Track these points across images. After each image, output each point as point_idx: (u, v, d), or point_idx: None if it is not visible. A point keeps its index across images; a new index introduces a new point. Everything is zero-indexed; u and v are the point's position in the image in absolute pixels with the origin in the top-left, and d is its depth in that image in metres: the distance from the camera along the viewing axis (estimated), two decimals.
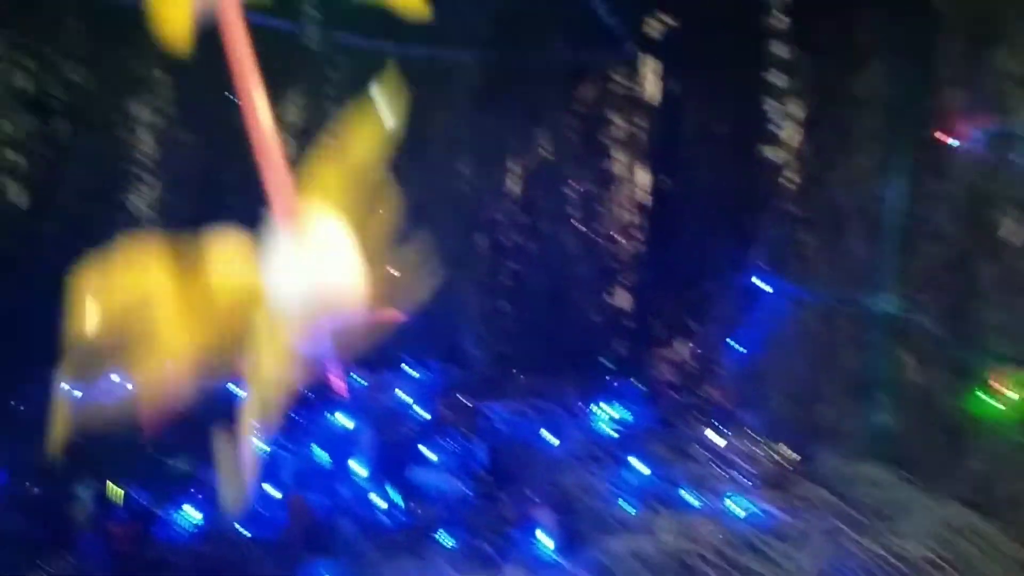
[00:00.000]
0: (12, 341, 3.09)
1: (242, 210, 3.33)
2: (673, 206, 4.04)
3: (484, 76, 3.82)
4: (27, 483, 2.28)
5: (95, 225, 3.28)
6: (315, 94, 3.60)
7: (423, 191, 3.78)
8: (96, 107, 3.23)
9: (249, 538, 2.25)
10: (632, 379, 3.60)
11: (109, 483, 2.21)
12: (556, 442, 2.93)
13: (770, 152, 3.42)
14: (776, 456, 2.85)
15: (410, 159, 3.72)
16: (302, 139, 3.56)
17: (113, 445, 2.58)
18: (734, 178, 3.74)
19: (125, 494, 2.22)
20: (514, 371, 3.66)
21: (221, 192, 3.44)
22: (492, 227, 4.01)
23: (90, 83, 3.22)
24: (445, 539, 2.32)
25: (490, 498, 2.56)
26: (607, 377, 3.64)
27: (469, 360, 3.74)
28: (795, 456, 2.85)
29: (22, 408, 2.81)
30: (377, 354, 3.32)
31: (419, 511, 2.44)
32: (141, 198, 3.44)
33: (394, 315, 3.26)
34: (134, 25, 3.12)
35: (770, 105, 3.39)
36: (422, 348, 3.68)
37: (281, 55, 3.44)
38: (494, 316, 3.95)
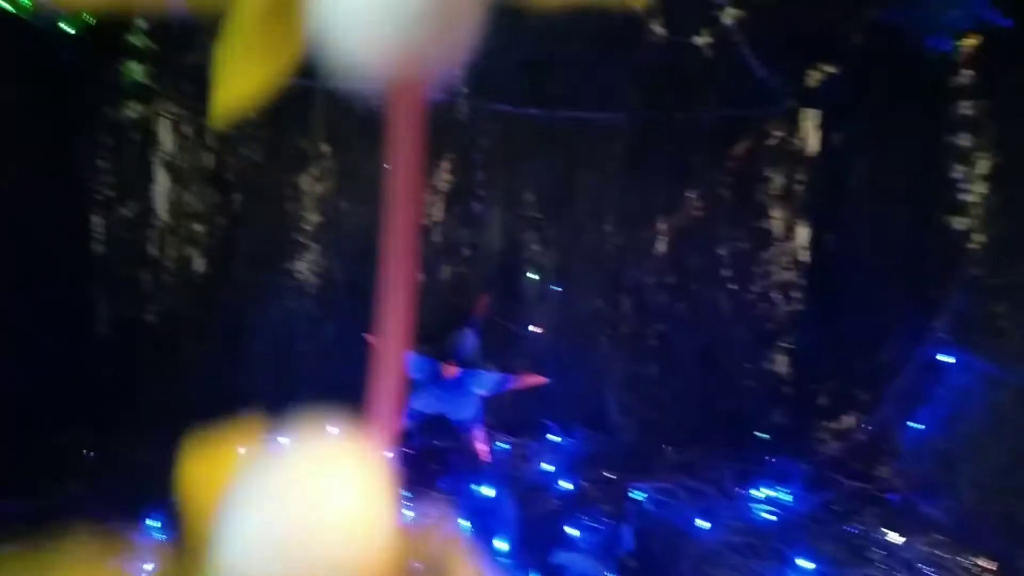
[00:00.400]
0: (185, 394, 3.30)
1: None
2: (838, 265, 3.74)
3: (632, 136, 3.74)
4: None
5: (265, 289, 3.48)
6: (463, 160, 3.66)
7: (568, 252, 3.75)
8: (267, 181, 3.44)
9: None
10: (792, 456, 3.31)
11: None
12: (708, 526, 2.72)
13: (952, 212, 3.08)
14: (968, 561, 2.49)
15: (556, 220, 3.68)
16: (450, 203, 3.63)
17: None
18: (909, 237, 3.41)
19: None
20: (662, 444, 3.47)
21: (378, 258, 3.56)
22: (639, 288, 3.87)
23: (262, 159, 3.45)
24: None
25: None
26: (764, 453, 3.37)
27: (614, 428, 3.59)
28: (991, 564, 2.47)
29: None
30: (520, 419, 3.27)
31: None
32: (305, 263, 3.61)
33: (538, 379, 3.19)
34: (303, 104, 3.31)
35: (951, 160, 3.07)
36: (566, 414, 3.59)
37: (434, 124, 3.53)
38: (641, 381, 3.79)
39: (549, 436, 3.41)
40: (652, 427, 3.69)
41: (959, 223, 2.95)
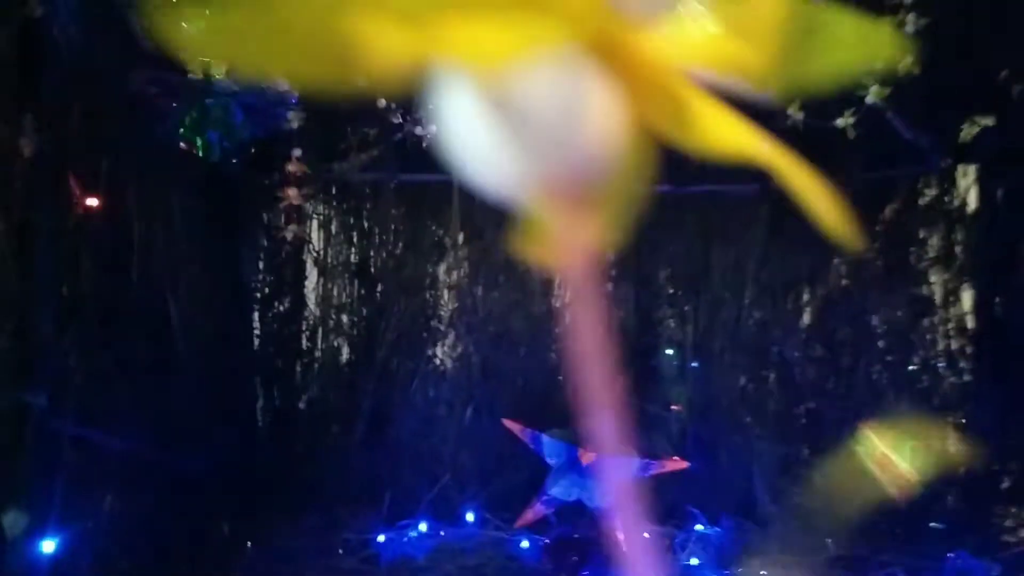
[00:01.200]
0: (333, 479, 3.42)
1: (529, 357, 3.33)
2: (1009, 330, 3.39)
3: (770, 205, 3.61)
4: None
5: (404, 375, 3.60)
6: None
7: (709, 329, 3.63)
8: (407, 272, 3.60)
9: None
10: (975, 551, 2.97)
11: None
12: None
13: None
14: None
15: (696, 296, 3.56)
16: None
17: None
18: None
19: None
20: (821, 535, 3.21)
21: (513, 342, 3.61)
22: (786, 364, 3.67)
23: (403, 251, 3.62)
24: None
25: None
26: (941, 546, 3.03)
27: (765, 517, 3.37)
28: None
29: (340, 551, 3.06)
30: (663, 506, 3.13)
31: None
32: (444, 350, 3.71)
33: (679, 463, 3.05)
34: (438, 198, 3.45)
35: None
36: (712, 501, 3.42)
37: None
38: (791, 464, 3.56)
39: (696, 527, 3.25)
40: (809, 515, 3.43)
41: None
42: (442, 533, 3.21)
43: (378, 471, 3.51)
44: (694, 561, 3.02)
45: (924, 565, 2.85)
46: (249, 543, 2.95)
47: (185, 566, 2.75)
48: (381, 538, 3.13)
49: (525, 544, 3.13)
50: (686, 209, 3.69)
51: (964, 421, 3.59)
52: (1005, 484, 3.43)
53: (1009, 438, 3.40)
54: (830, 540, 3.13)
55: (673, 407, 3.71)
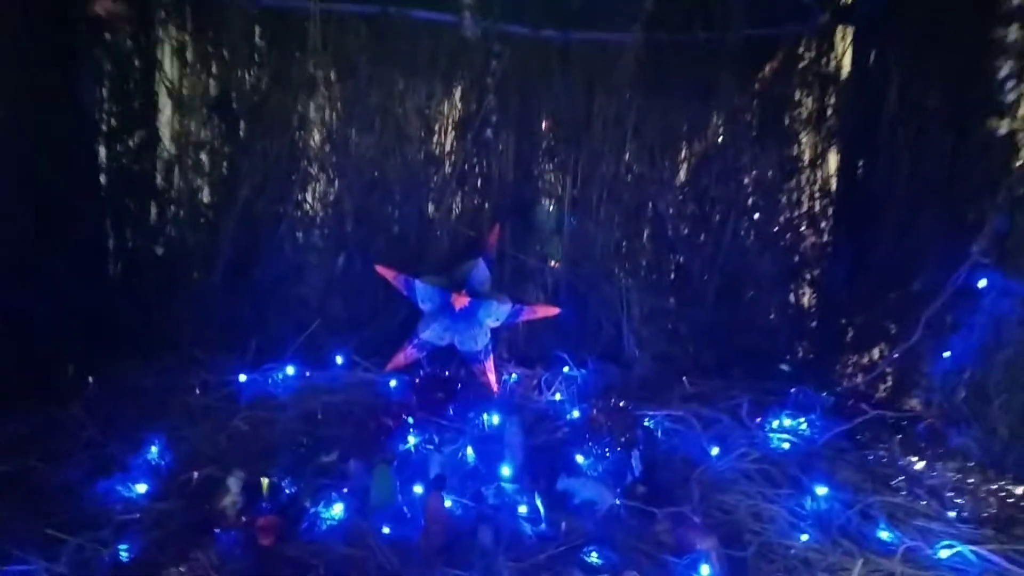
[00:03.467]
0: (183, 325, 3.26)
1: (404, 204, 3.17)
2: (870, 193, 3.53)
3: (652, 58, 3.54)
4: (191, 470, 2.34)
5: (270, 219, 3.41)
6: (478, 85, 3.50)
7: (585, 181, 3.60)
8: (272, 108, 3.34)
9: (388, 538, 2.16)
10: (816, 389, 3.18)
11: (262, 476, 2.21)
12: (721, 455, 2.62)
13: (995, 114, 2.83)
14: (998, 489, 2.36)
15: (574, 147, 3.49)
16: (463, 130, 3.50)
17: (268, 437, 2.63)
18: (948, 159, 3.20)
19: (273, 486, 2.21)
20: (679, 376, 3.36)
21: (386, 187, 3.47)
22: (660, 219, 3.72)
23: (269, 85, 3.34)
24: (592, 558, 2.11)
25: (645, 516, 2.31)
26: (786, 385, 3.23)
27: (630, 361, 3.49)
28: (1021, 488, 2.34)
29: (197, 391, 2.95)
30: (533, 350, 3.15)
31: (564, 525, 2.24)
32: (314, 195, 3.52)
33: (550, 309, 3.06)
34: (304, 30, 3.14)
35: (997, 56, 2.81)
36: (580, 346, 3.50)
37: (444, 48, 3.40)
38: (659, 314, 3.67)
39: (564, 368, 3.33)
40: (669, 360, 3.57)
41: (1002, 127, 2.72)
42: (308, 374, 3.15)
43: (242, 316, 3.38)
44: (557, 396, 3.10)
45: (768, 400, 3.03)
46: (91, 378, 2.79)
47: (25, 402, 2.59)
48: (243, 378, 3.04)
49: (393, 383, 3.12)
50: (571, 57, 3.57)
51: (819, 277, 3.78)
52: (849, 335, 3.66)
53: (857, 293, 3.61)
54: (686, 378, 3.30)
55: (551, 263, 3.70)
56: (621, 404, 2.84)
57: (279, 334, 3.35)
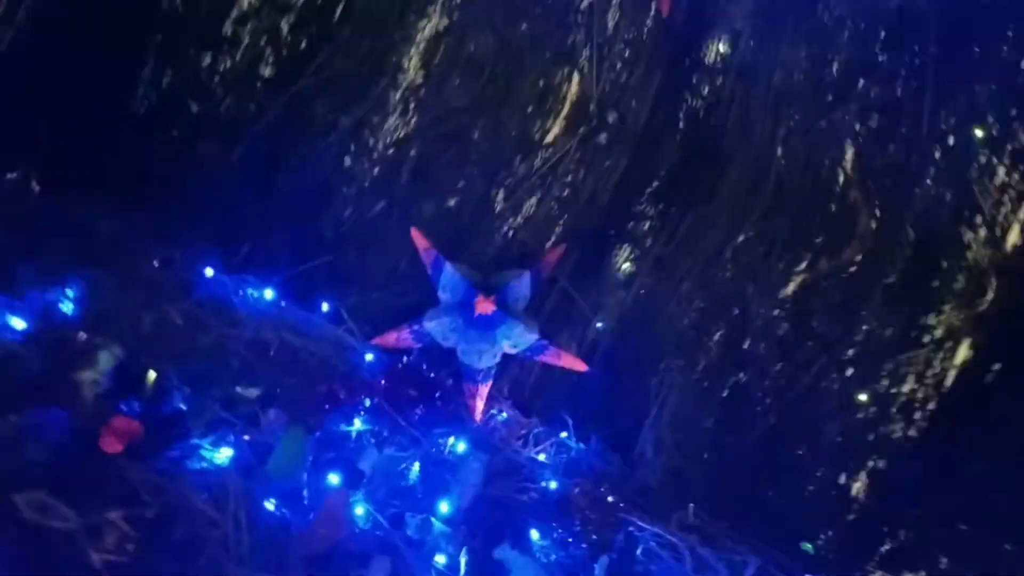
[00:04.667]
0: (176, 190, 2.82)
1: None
2: (990, 406, 2.93)
3: None
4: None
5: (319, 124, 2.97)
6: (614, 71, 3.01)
7: (682, 244, 3.07)
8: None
9: (260, 515, 1.64)
10: None
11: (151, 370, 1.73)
12: None
13: None
14: None
15: (688, 202, 2.88)
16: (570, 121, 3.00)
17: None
18: None
19: (160, 388, 1.72)
20: (686, 500, 2.77)
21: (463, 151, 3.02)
22: (742, 325, 3.14)
23: None
24: None
25: None
26: (800, 567, 2.62)
27: (640, 461, 2.92)
28: None
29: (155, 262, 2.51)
30: (537, 400, 2.61)
31: None
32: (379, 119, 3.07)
33: (578, 364, 2.52)
34: None
35: None
36: (591, 419, 2.95)
37: None
38: (691, 426, 3.09)
39: (562, 434, 2.78)
40: (681, 480, 2.98)
41: None
42: (283, 305, 2.67)
43: (246, 214, 2.89)
44: (541, 457, 2.55)
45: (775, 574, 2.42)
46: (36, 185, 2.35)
47: None
48: (209, 272, 2.56)
49: (369, 357, 2.61)
50: None
51: (882, 470, 3.17)
52: (885, 547, 3.04)
53: (913, 508, 3.02)
54: (692, 507, 2.70)
55: (598, 324, 3.19)
56: (610, 499, 2.27)
57: (277, 252, 2.89)
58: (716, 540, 2.47)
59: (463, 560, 1.76)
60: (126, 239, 2.43)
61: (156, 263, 2.51)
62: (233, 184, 2.87)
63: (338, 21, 2.91)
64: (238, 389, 1.92)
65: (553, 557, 1.97)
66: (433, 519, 1.90)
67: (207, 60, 2.89)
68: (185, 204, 2.80)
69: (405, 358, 2.68)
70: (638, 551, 2.09)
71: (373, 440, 2.09)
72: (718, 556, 2.32)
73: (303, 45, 2.93)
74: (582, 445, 2.79)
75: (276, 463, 1.76)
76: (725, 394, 3.17)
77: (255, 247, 2.88)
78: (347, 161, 2.99)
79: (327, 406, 2.19)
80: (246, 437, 1.81)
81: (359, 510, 1.77)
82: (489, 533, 1.90)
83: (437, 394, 2.51)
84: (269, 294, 2.69)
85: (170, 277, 2.47)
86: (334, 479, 1.83)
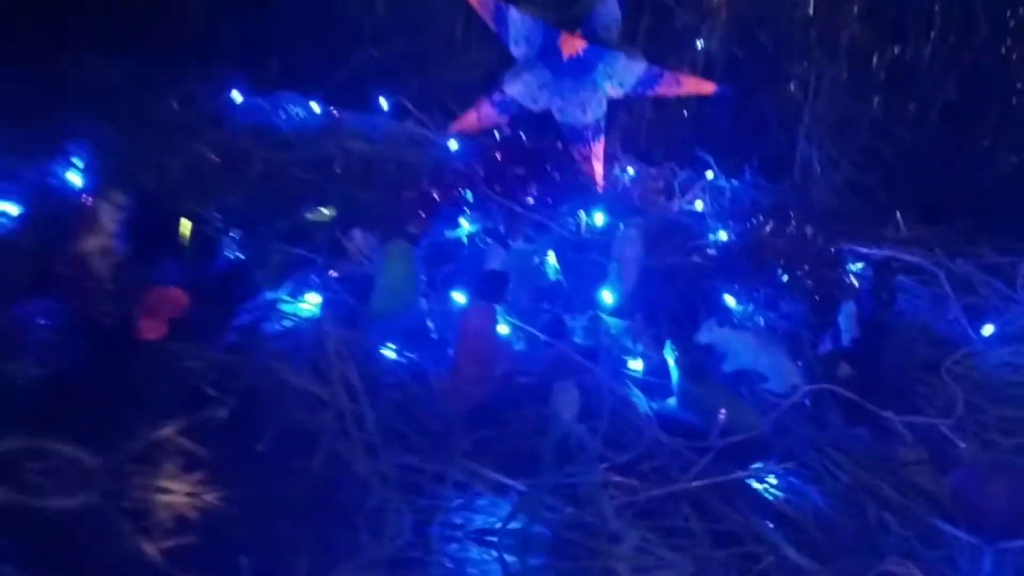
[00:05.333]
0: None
1: None
2: None
3: None
4: None
5: None
6: None
7: None
8: None
9: (385, 368, 1.20)
10: None
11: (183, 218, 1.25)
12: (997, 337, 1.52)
13: None
14: None
15: None
16: None
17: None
18: None
19: (203, 236, 1.25)
20: (883, 211, 2.22)
21: None
22: None
23: None
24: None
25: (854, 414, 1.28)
26: None
27: (806, 180, 2.36)
28: None
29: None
30: (660, 147, 2.00)
31: (723, 414, 1.22)
32: None
33: (706, 85, 1.88)
34: None
35: None
36: (734, 149, 2.38)
37: None
38: (855, 123, 2.48)
39: (707, 173, 2.23)
40: (866, 191, 2.42)
41: None
42: (336, 114, 2.13)
43: (268, 24, 2.38)
44: (699, 205, 2.01)
45: None
46: None
47: None
48: (238, 98, 2.06)
49: (454, 145, 2.08)
50: None
51: None
52: None
53: None
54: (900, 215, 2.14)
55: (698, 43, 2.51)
56: (808, 231, 1.73)
57: (311, 59, 2.34)
58: (953, 247, 1.91)
59: (670, 355, 1.29)
60: (137, 85, 1.91)
61: (175, 105, 2.00)
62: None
63: None
64: (307, 216, 1.44)
65: (765, 321, 1.48)
66: (600, 315, 1.43)
67: None
68: (191, 30, 2.29)
69: (497, 135, 2.11)
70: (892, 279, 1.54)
71: (489, 240, 1.60)
72: (976, 263, 1.78)
73: None
74: (734, 182, 2.23)
75: (382, 295, 1.30)
76: (883, 76, 2.53)
77: (286, 59, 2.36)
78: None
79: (422, 213, 1.69)
80: (333, 273, 1.34)
81: (503, 328, 1.31)
82: (677, 316, 1.43)
83: (546, 164, 1.96)
84: (315, 106, 2.16)
85: (193, 115, 1.96)
86: (461, 298, 1.36)
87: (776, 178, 2.34)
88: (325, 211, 1.43)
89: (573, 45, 2.10)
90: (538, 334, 1.38)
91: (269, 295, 1.27)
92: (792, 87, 2.49)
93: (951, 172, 2.46)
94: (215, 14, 2.32)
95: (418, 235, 1.48)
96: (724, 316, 1.42)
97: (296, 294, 1.29)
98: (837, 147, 2.42)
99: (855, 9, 2.56)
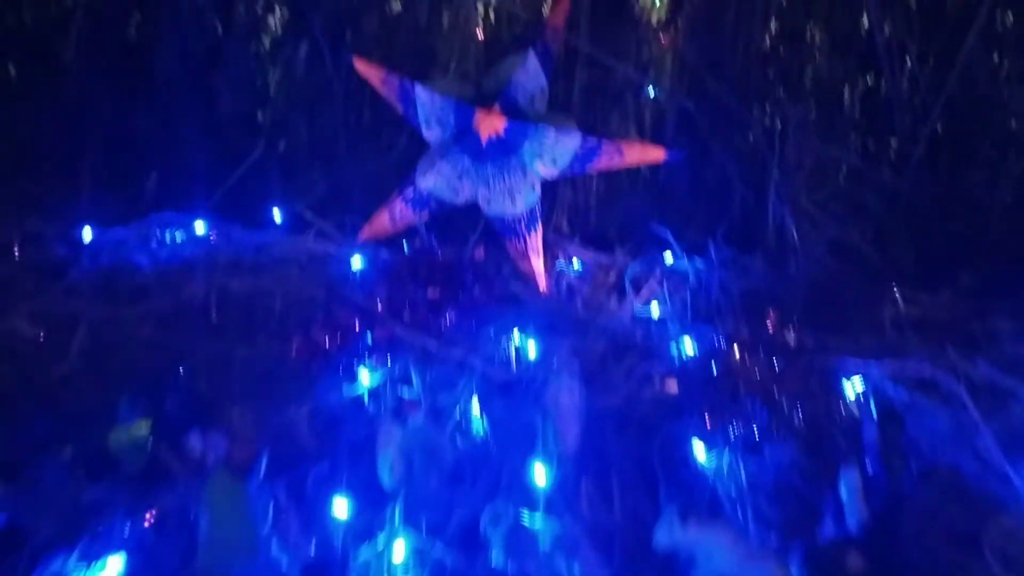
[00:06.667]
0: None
1: None
2: None
3: None
4: None
5: None
6: None
7: None
8: None
9: None
10: None
11: None
12: None
13: None
14: None
15: None
16: None
17: None
18: None
19: None
20: (878, 281, 1.89)
21: None
22: None
23: None
24: None
25: None
26: None
27: (784, 247, 2.04)
28: None
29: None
30: (612, 223, 1.72)
31: None
32: None
33: (654, 152, 1.67)
34: None
35: None
36: (695, 218, 2.05)
37: None
38: (830, 168, 2.17)
39: (665, 256, 1.89)
40: (851, 253, 2.08)
41: None
42: (212, 238, 1.80)
43: (140, 133, 2.07)
44: (654, 308, 1.67)
45: None
46: None
47: None
48: (87, 235, 1.73)
49: (357, 263, 1.74)
50: None
51: None
52: None
53: None
54: (896, 288, 1.79)
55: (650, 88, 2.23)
56: (791, 339, 1.38)
57: (199, 165, 2.03)
58: (960, 322, 1.57)
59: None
60: None
61: (16, 249, 1.68)
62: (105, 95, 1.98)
63: None
64: (114, 439, 1.09)
65: (745, 477, 1.14)
66: (524, 521, 1.08)
67: None
68: (46, 147, 1.97)
69: (405, 247, 1.79)
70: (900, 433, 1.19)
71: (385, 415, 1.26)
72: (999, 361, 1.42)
73: None
74: (699, 261, 1.90)
75: (212, 546, 0.95)
76: (857, 113, 2.23)
77: (165, 169, 2.06)
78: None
79: (311, 364, 1.36)
80: (148, 518, 0.99)
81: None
82: (626, 487, 1.08)
83: (468, 278, 1.63)
84: (200, 226, 1.84)
85: (32, 266, 1.63)
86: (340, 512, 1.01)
87: (747, 247, 2.01)
88: (139, 427, 1.09)
89: (492, 124, 1.79)
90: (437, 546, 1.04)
91: (54, 565, 0.92)
92: (754, 136, 2.18)
93: (945, 214, 2.14)
94: (77, 128, 2.00)
95: (250, 459, 1.13)
96: (689, 502, 1.07)
97: (91, 557, 0.95)
98: (814, 201, 2.10)
99: (816, 38, 2.27)
